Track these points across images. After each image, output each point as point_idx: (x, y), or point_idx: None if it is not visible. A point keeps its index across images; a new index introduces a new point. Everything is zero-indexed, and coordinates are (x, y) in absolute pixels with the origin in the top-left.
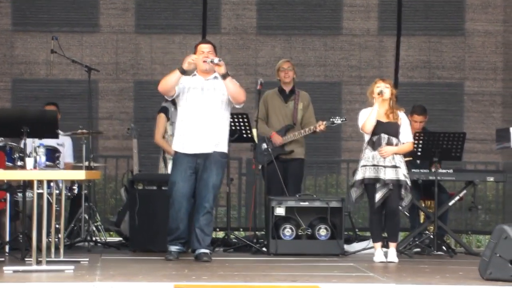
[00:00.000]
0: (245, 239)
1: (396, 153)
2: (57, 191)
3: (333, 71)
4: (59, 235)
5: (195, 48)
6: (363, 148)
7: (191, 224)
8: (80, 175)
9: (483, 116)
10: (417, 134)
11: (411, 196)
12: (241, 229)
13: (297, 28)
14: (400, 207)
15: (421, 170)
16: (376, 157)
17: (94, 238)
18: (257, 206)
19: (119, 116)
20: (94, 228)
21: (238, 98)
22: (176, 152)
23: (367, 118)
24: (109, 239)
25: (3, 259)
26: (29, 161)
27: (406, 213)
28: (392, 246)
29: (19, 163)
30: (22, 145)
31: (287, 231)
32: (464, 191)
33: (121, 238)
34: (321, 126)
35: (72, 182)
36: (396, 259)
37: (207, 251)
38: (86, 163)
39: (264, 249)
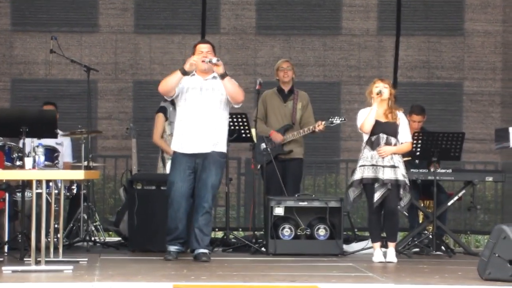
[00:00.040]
0: (244, 239)
1: (394, 153)
2: (56, 191)
3: (332, 71)
4: (58, 235)
5: (193, 48)
6: (361, 148)
7: (190, 224)
8: (79, 175)
9: (482, 116)
10: (416, 134)
11: (409, 196)
12: (240, 229)
13: (296, 28)
14: (399, 207)
15: (420, 170)
16: (375, 157)
17: (93, 238)
18: (256, 206)
19: (118, 116)
20: (93, 228)
21: (237, 98)
22: (175, 152)
23: (365, 118)
24: (108, 239)
25: (2, 259)
26: (28, 161)
27: (405, 213)
28: (391, 246)
29: (18, 162)
30: (21, 145)
31: (286, 231)
32: (463, 191)
33: (120, 238)
34: (320, 126)
35: (71, 182)
36: (395, 259)
37: (206, 251)
38: (85, 163)
39: (263, 249)
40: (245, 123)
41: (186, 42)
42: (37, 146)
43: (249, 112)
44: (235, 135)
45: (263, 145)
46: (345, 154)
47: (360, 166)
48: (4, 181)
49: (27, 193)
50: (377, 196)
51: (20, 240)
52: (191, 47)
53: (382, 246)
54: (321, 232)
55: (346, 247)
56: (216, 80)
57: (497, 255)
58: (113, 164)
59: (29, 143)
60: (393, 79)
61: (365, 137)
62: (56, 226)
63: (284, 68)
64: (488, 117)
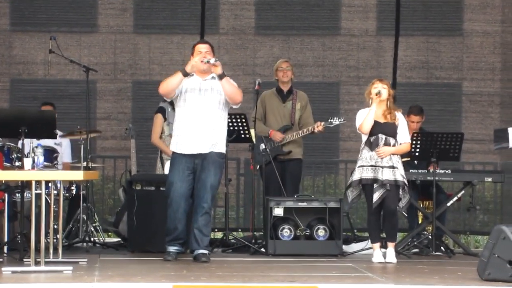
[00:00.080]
0: (244, 239)
1: (393, 154)
2: (55, 192)
3: (331, 71)
4: (58, 236)
5: (192, 48)
6: (360, 148)
7: (190, 224)
8: (78, 175)
9: (481, 117)
10: (415, 135)
11: (408, 196)
12: (240, 230)
13: (295, 28)
14: (398, 208)
15: (419, 171)
16: (374, 158)
17: (92, 239)
18: (255, 207)
19: (117, 116)
20: (92, 229)
21: (235, 98)
22: (174, 153)
23: (364, 119)
24: (108, 239)
25: (1, 260)
26: (27, 162)
27: (405, 214)
28: (391, 246)
29: (17, 163)
30: (20, 146)
31: (286, 232)
32: (462, 192)
33: (119, 239)
34: (319, 127)
35: (70, 182)
36: (394, 260)
37: (205, 251)
38: (84, 164)
39: (262, 249)
40: (244, 124)
41: (185, 42)
42: (36, 147)
43: (248, 113)
44: (234, 135)
45: (262, 146)
46: (344, 155)
47: (359, 166)
48: (3, 181)
49: (27, 194)
50: (376, 196)
51: (19, 241)
52: (190, 47)
53: (381, 247)
54: (321, 232)
55: (345, 248)
56: (215, 80)
57: (496, 255)
58: (112, 164)
59: (28, 143)
60: (392, 79)
61: (364, 138)
62: (55, 226)
63: (284, 68)
64: (487, 118)
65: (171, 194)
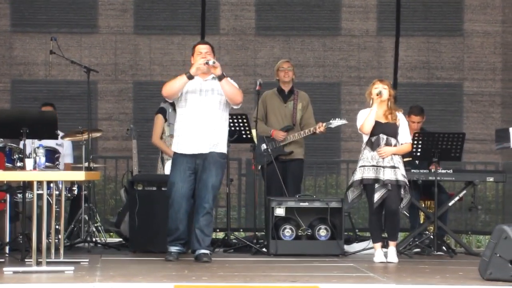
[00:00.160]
0: (245, 239)
1: (394, 154)
2: (57, 192)
3: (332, 72)
4: (59, 236)
5: (193, 49)
6: (361, 148)
7: (191, 224)
8: (79, 176)
9: (482, 117)
10: (417, 135)
11: (409, 196)
12: (241, 230)
13: (296, 29)
14: (399, 207)
15: (421, 171)
16: (375, 158)
17: (94, 239)
18: (257, 207)
19: (118, 117)
20: (94, 229)
21: (235, 99)
22: (175, 153)
23: (365, 119)
24: (109, 240)
25: (3, 260)
26: (29, 162)
27: (406, 213)
28: (392, 246)
29: (18, 164)
30: (21, 146)
31: (287, 232)
32: (464, 191)
33: (121, 239)
34: (321, 128)
35: (72, 183)
36: (396, 259)
37: (207, 251)
38: (86, 164)
39: (264, 249)
40: (246, 124)
41: (186, 43)
42: (38, 147)
43: (249, 113)
44: (236, 136)
45: (264, 146)
46: (345, 155)
47: (360, 166)
48: (5, 182)
49: (28, 194)
50: (377, 196)
51: (21, 241)
52: (191, 48)
53: (383, 247)
54: (322, 232)
55: (347, 248)
56: (216, 81)
57: (498, 255)
58: (113, 165)
59: (29, 144)
60: (393, 79)
61: (365, 138)
62: (57, 227)
63: (285, 68)
64: (488, 118)
65: (173, 195)
